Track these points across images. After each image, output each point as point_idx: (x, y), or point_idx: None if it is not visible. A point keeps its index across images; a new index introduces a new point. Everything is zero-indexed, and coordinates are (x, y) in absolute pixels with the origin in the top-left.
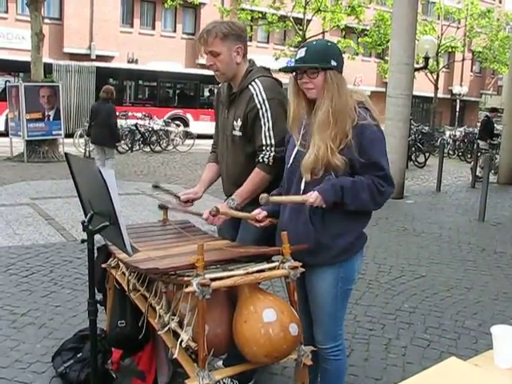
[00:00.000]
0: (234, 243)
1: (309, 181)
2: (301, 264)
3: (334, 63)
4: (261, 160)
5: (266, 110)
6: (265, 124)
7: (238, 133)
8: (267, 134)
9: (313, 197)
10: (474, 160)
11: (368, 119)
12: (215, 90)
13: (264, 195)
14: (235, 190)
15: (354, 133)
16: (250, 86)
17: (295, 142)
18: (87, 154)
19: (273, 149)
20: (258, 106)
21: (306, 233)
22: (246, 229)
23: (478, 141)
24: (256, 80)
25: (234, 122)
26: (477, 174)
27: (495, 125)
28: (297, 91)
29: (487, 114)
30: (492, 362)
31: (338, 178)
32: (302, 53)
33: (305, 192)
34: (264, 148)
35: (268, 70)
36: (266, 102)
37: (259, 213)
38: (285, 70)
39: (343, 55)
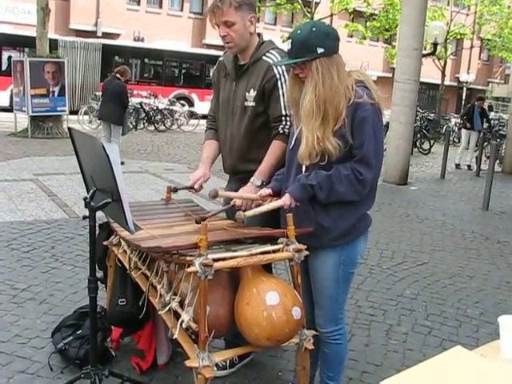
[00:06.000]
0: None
1: (308, 165)
2: (305, 247)
3: (320, 50)
4: (281, 131)
5: (286, 81)
6: (283, 94)
7: (250, 103)
8: (287, 104)
9: (286, 198)
10: (480, 149)
11: (364, 97)
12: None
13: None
14: (241, 165)
15: (349, 111)
16: (264, 58)
17: (294, 127)
18: None
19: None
20: (277, 76)
21: (307, 215)
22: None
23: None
24: (272, 51)
25: (247, 93)
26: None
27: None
28: (293, 74)
29: (475, 103)
30: (498, 352)
31: (310, 175)
32: (289, 45)
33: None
34: (283, 118)
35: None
36: (285, 73)
37: (264, 192)
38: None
39: (336, 34)
